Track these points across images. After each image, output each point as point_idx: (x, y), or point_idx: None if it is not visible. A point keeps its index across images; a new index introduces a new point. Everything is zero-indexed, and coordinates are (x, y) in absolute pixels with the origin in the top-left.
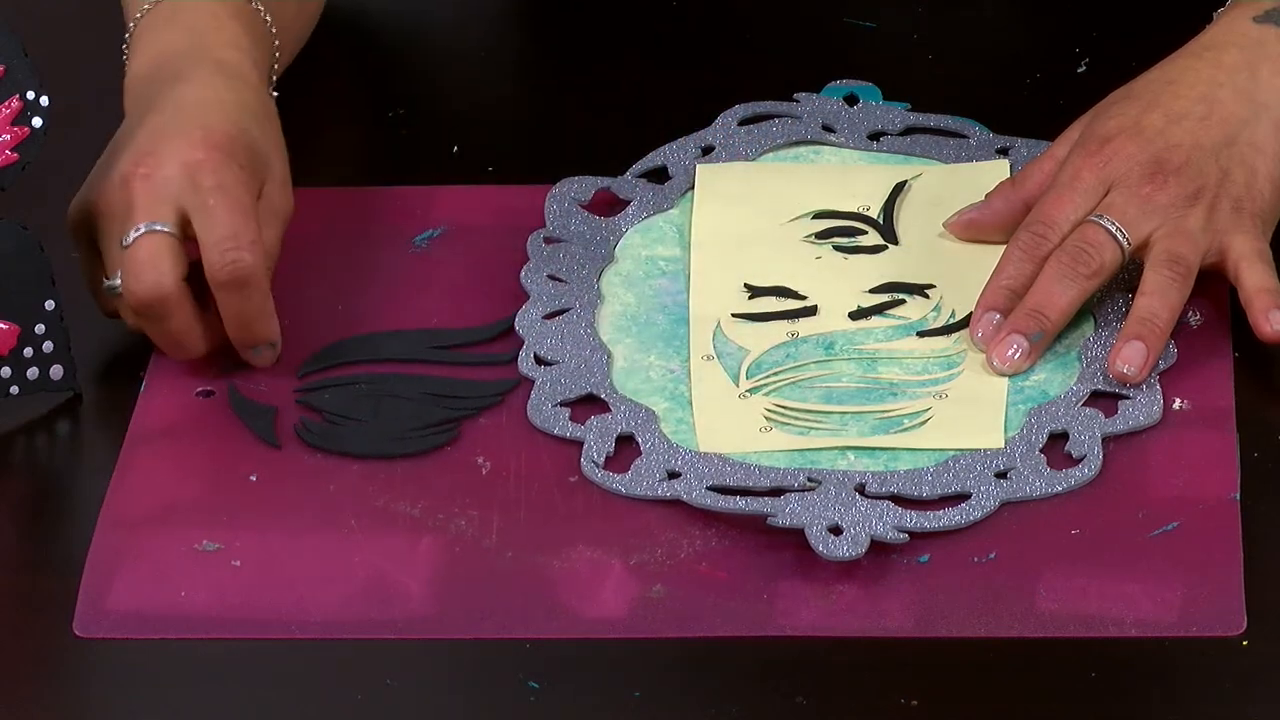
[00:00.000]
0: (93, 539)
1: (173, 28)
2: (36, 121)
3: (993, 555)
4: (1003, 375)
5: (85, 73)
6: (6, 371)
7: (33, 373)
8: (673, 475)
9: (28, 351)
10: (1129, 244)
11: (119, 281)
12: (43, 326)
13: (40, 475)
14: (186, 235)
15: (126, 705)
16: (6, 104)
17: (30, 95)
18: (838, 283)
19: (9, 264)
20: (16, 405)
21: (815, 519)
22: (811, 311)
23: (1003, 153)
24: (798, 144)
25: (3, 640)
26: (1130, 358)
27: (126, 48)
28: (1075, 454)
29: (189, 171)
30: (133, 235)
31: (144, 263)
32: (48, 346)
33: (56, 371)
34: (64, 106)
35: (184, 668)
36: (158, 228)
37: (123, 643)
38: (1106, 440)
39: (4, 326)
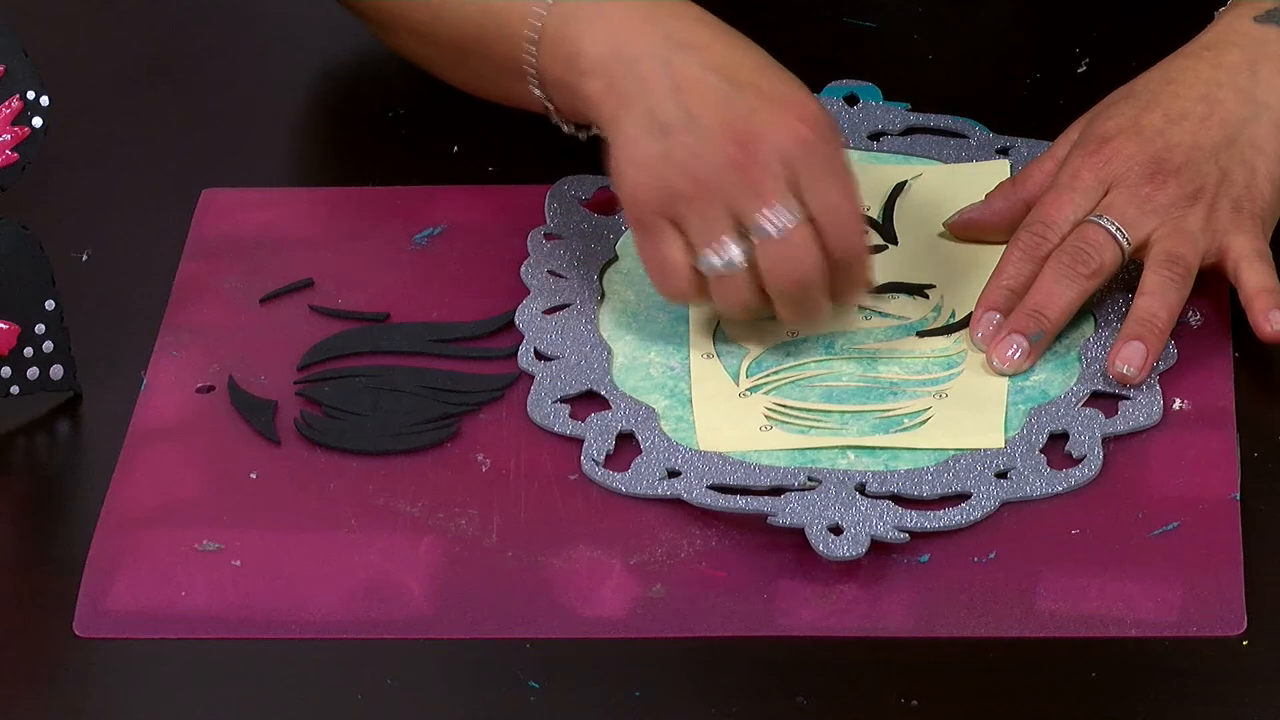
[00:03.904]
0: (93, 539)
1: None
2: (36, 121)
3: (993, 555)
4: (1003, 375)
5: (85, 73)
6: (6, 371)
7: (33, 373)
8: (673, 474)
9: (28, 351)
10: (1129, 244)
11: (725, 265)
12: (43, 326)
13: (40, 475)
14: None
15: (126, 705)
16: (6, 104)
17: (30, 95)
18: None
19: (9, 264)
20: (16, 405)
21: (815, 518)
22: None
23: (1003, 153)
24: None
25: (3, 640)
26: (1130, 358)
27: (536, 45)
28: (1075, 454)
29: (799, 151)
30: (777, 225)
31: (799, 254)
32: (48, 346)
33: (56, 371)
34: (64, 106)
35: (184, 668)
36: (798, 219)
37: (123, 643)
38: (1106, 440)
39: (4, 326)
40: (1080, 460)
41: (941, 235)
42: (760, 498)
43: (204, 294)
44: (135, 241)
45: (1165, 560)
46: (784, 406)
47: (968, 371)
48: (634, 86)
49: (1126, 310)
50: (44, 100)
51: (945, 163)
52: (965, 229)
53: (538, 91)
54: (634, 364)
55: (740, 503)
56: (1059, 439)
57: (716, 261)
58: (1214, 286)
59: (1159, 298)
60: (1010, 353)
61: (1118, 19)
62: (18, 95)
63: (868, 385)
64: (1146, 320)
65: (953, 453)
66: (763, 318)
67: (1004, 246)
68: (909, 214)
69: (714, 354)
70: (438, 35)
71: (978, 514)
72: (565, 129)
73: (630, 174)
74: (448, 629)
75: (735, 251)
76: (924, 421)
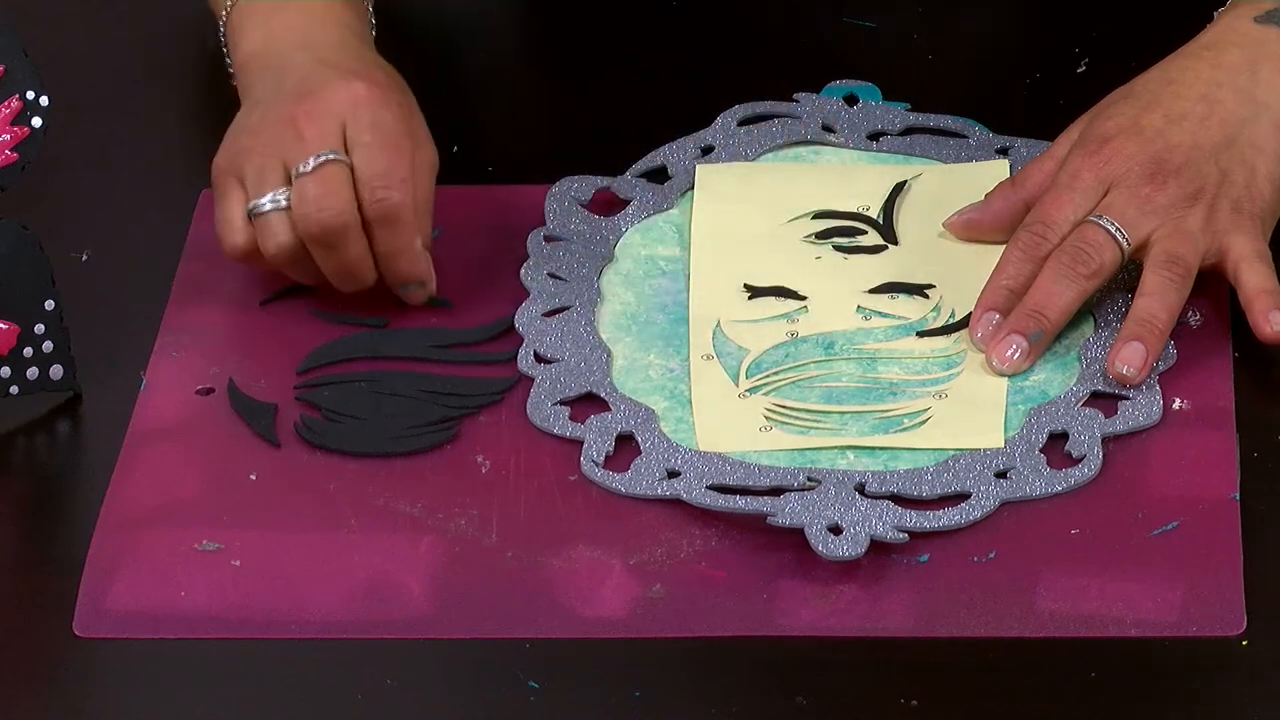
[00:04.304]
0: (93, 539)
1: (281, 12)
2: (36, 121)
3: (992, 555)
4: (1002, 375)
5: (85, 73)
6: (6, 371)
7: (33, 373)
8: (672, 474)
9: (28, 351)
10: (1128, 244)
11: (270, 203)
12: (43, 326)
13: (40, 475)
14: None
15: (126, 705)
16: (6, 104)
17: (30, 95)
18: (837, 283)
19: (9, 264)
20: (16, 405)
21: (815, 518)
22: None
23: (1003, 153)
24: (797, 144)
25: (3, 640)
26: (1129, 358)
27: (224, 36)
28: (1075, 454)
29: (351, 107)
30: (312, 163)
31: (327, 190)
32: (48, 346)
33: (56, 371)
34: (64, 106)
35: (184, 668)
36: (333, 157)
37: (123, 643)
38: (1106, 440)
39: (4, 326)
40: (1080, 460)
41: (941, 235)
42: (760, 498)
43: (204, 294)
44: (135, 241)
45: (1165, 560)
46: (783, 407)
47: (967, 372)
48: (254, 80)
49: (1126, 310)
50: (44, 100)
51: (945, 163)
52: (965, 229)
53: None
54: (633, 366)
55: (740, 503)
56: (1059, 439)
57: (262, 203)
58: (1214, 287)
59: (1159, 298)
60: (1010, 353)
61: (1118, 19)
62: (18, 95)
63: (867, 385)
64: (1146, 321)
65: (952, 453)
66: (309, 279)
67: (1004, 246)
68: (909, 214)
69: (713, 355)
70: None
71: (977, 514)
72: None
73: (227, 137)
74: (448, 629)
75: (280, 193)
76: (924, 422)
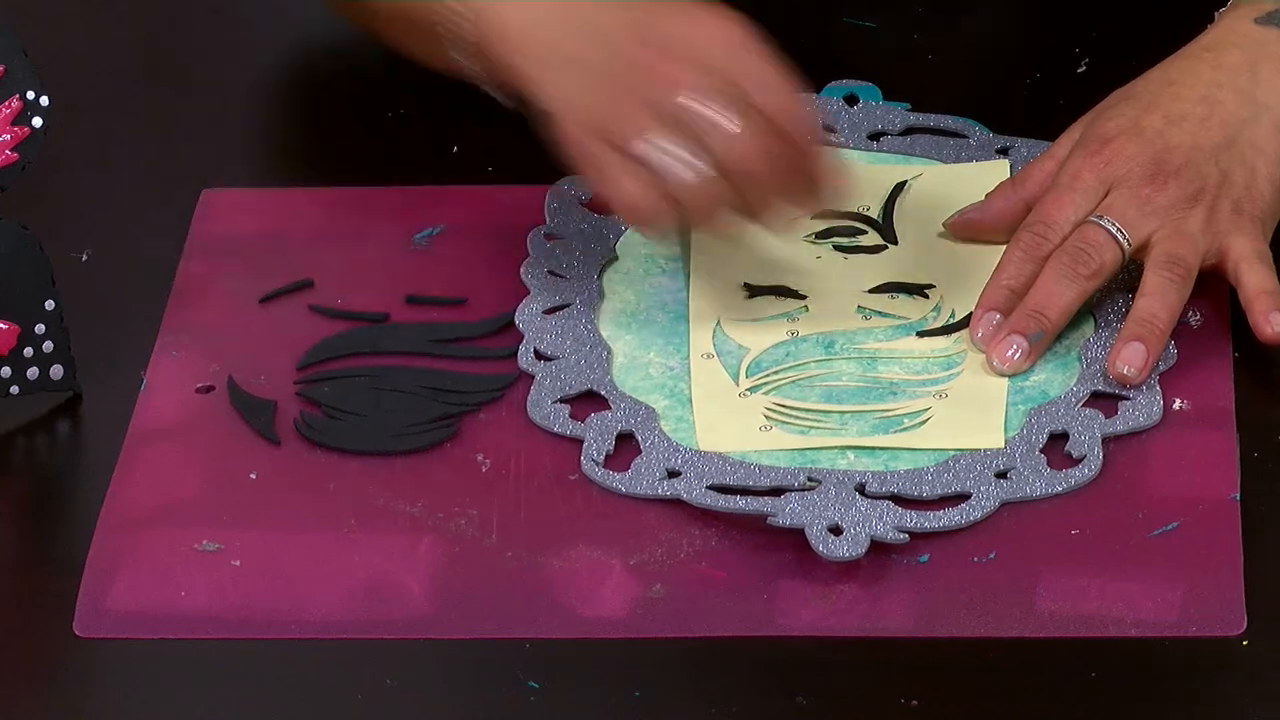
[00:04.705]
0: (93, 539)
1: None
2: (36, 121)
3: (992, 555)
4: (1002, 375)
5: (85, 73)
6: (6, 371)
7: (33, 373)
8: (672, 474)
9: (28, 351)
10: (1129, 245)
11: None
12: (43, 326)
13: (40, 475)
14: None
15: (126, 705)
16: (6, 104)
17: (30, 95)
18: (838, 282)
19: (9, 264)
20: (16, 405)
21: (815, 519)
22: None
23: (1003, 153)
24: None
25: (3, 640)
26: (1130, 358)
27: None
28: (1075, 454)
29: (712, 45)
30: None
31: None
32: (48, 346)
33: (56, 371)
34: (64, 106)
35: (184, 668)
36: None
37: (123, 643)
38: (1106, 440)
39: (4, 326)
40: (1080, 460)
41: (941, 235)
42: (760, 498)
43: (204, 294)
44: (135, 241)
45: (1165, 560)
46: (784, 406)
47: (967, 372)
48: (553, 53)
49: (1127, 311)
50: (44, 100)
51: (945, 163)
52: (965, 229)
53: (459, 57)
54: (634, 364)
55: (740, 503)
56: (1059, 439)
57: (659, 152)
58: (1214, 286)
59: (1159, 298)
60: (1010, 353)
61: (1118, 19)
62: (18, 95)
63: (868, 385)
64: (1147, 321)
65: (953, 453)
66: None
67: (1004, 246)
68: (909, 214)
69: (714, 354)
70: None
71: (977, 514)
72: (495, 96)
73: (560, 113)
74: (448, 629)
75: (666, 145)
76: (924, 422)
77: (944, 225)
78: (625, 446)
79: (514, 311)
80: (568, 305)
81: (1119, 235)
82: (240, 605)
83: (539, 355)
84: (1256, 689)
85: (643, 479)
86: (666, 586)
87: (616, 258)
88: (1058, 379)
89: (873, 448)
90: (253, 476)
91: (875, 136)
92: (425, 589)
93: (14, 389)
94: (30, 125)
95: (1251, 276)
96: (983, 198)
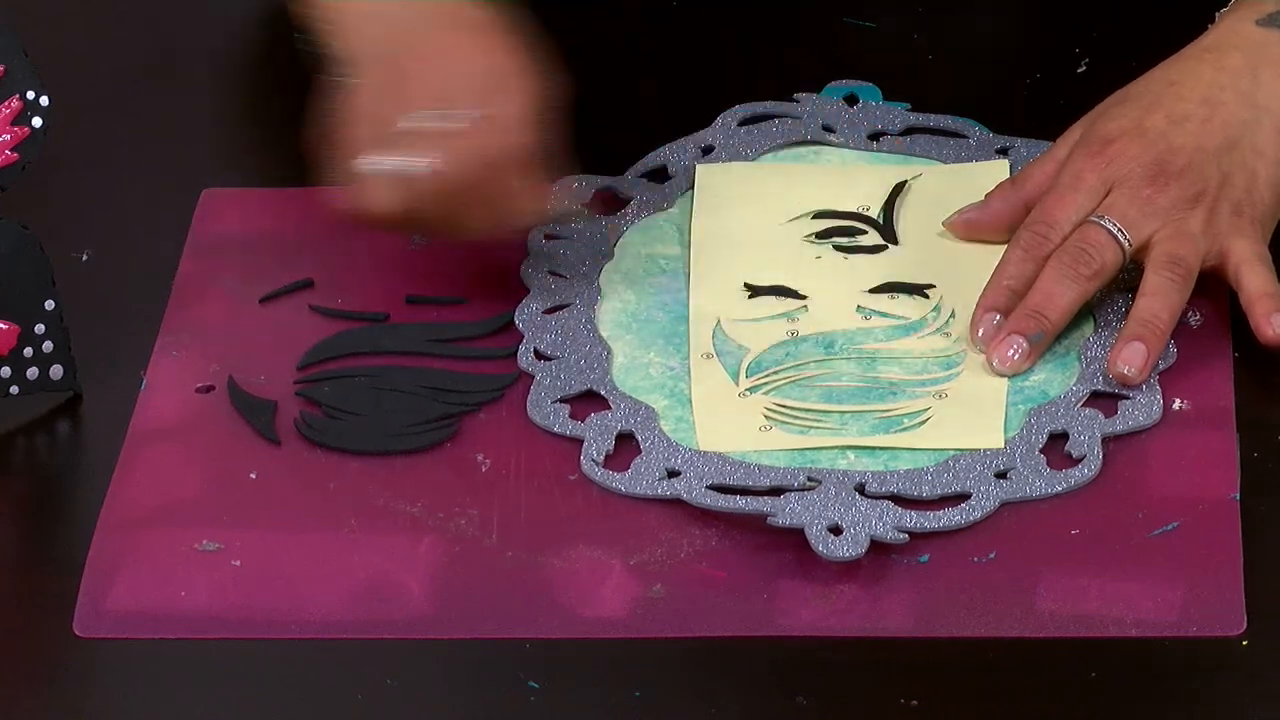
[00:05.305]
0: (93, 539)
1: None
2: (36, 121)
3: (992, 555)
4: (1002, 375)
5: (85, 73)
6: (6, 371)
7: (33, 373)
8: (672, 474)
9: (28, 351)
10: (1130, 245)
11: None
12: (43, 326)
13: (40, 475)
14: None
15: (126, 705)
16: (6, 104)
17: (30, 95)
18: (838, 282)
19: (9, 264)
20: (16, 405)
21: (815, 519)
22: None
23: (1003, 153)
24: (798, 144)
25: (3, 640)
26: (1130, 358)
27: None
28: (1075, 454)
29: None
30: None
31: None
32: (48, 346)
33: (56, 371)
34: (64, 106)
35: (184, 668)
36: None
37: (123, 643)
38: (1106, 440)
39: (4, 326)
40: (1080, 460)
41: (941, 235)
42: (760, 498)
43: (204, 294)
44: (135, 241)
45: (1165, 560)
46: (784, 406)
47: (967, 372)
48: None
49: (1127, 311)
50: (44, 100)
51: (945, 163)
52: (965, 229)
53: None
54: (633, 364)
55: (740, 503)
56: (1059, 439)
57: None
58: (1214, 287)
59: (1160, 299)
60: (1010, 353)
61: (1118, 19)
62: (18, 95)
63: (867, 385)
64: (1148, 321)
65: (952, 453)
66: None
67: (1004, 246)
68: (909, 214)
69: (713, 354)
70: None
71: (977, 514)
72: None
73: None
74: (448, 629)
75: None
76: (924, 422)
77: (944, 225)
78: (625, 446)
79: (514, 311)
80: (567, 305)
81: (1120, 236)
82: (240, 605)
83: (539, 355)
84: (1256, 689)
85: (643, 479)
86: (666, 586)
87: (616, 258)
88: (1057, 379)
89: (872, 448)
90: (253, 476)
91: (875, 136)
92: (425, 589)
93: (14, 389)
94: (30, 125)
95: (1252, 279)
96: (983, 198)
